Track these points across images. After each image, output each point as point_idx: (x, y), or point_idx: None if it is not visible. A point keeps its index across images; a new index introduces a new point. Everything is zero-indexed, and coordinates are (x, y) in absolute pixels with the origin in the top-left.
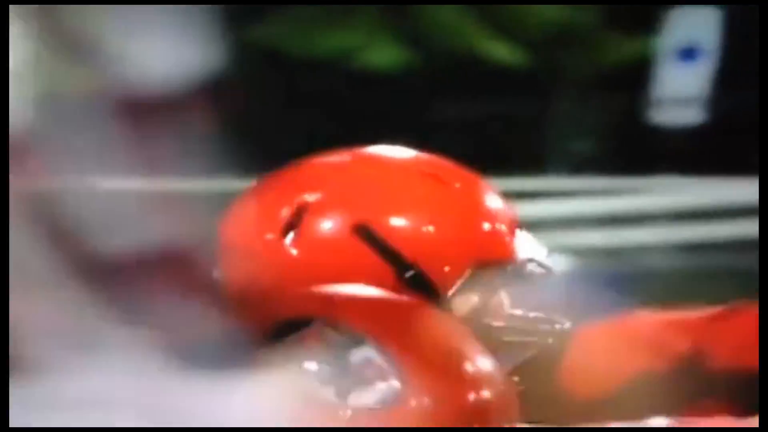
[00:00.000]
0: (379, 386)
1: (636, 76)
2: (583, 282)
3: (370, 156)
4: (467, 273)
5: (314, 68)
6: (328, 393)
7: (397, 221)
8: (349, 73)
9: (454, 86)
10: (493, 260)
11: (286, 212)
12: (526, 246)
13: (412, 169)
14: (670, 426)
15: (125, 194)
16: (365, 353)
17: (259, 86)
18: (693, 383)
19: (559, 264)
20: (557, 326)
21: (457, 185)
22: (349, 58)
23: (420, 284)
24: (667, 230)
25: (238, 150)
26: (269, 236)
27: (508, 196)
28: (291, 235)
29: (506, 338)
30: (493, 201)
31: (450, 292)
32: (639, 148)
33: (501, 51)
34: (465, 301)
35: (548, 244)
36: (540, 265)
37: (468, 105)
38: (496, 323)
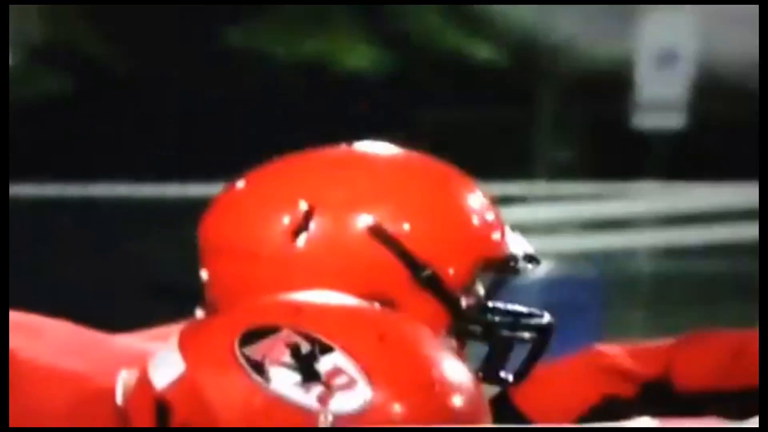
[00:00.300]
0: (353, 393)
1: (618, 81)
2: (565, 287)
3: (368, 155)
4: (476, 271)
5: (294, 71)
6: (310, 399)
7: (410, 222)
8: (328, 76)
9: (435, 90)
10: (496, 258)
11: (292, 213)
12: (518, 243)
13: (415, 170)
14: (658, 426)
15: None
16: (334, 360)
17: (236, 88)
18: (661, 406)
19: (543, 269)
20: (541, 320)
21: (456, 185)
22: (328, 61)
23: (433, 284)
24: (652, 235)
25: (212, 154)
26: (277, 238)
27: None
28: (303, 238)
29: (504, 333)
30: (487, 200)
31: (460, 291)
32: (622, 153)
33: (482, 53)
34: (469, 298)
35: (535, 248)
36: (532, 260)
37: (449, 109)
38: (497, 319)
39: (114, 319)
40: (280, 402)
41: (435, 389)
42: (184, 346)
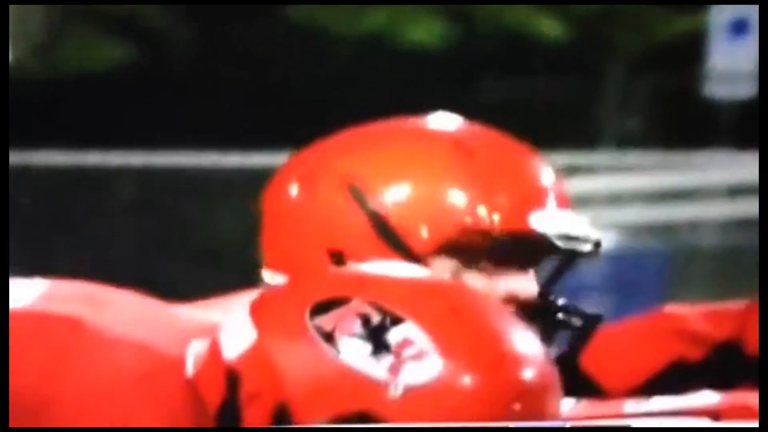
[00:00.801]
0: (422, 365)
1: (688, 51)
2: (629, 261)
3: (399, 122)
4: (445, 240)
5: (358, 45)
6: (380, 370)
7: (387, 185)
8: (392, 50)
9: (503, 62)
10: (480, 230)
11: (299, 170)
12: (558, 222)
13: (435, 134)
14: (721, 401)
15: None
16: (404, 332)
17: (299, 63)
18: (730, 370)
19: (609, 242)
20: (586, 312)
21: (481, 155)
22: (391, 34)
23: (395, 244)
24: (720, 207)
25: (280, 126)
26: (281, 190)
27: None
28: (296, 188)
29: (537, 320)
30: (518, 173)
31: (425, 256)
32: (692, 123)
33: (550, 27)
34: (443, 267)
35: (599, 221)
36: (572, 241)
37: (517, 81)
38: (528, 305)
39: (176, 288)
40: (350, 372)
41: (505, 361)
42: (255, 317)
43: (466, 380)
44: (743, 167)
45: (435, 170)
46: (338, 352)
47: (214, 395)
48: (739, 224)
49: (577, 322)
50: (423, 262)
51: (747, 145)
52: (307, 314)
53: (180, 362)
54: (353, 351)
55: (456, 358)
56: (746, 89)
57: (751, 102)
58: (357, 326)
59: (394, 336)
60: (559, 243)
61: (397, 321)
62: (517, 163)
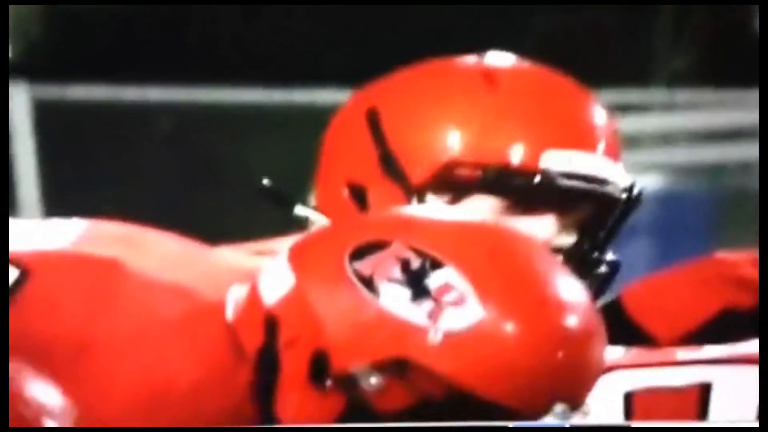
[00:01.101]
0: (463, 310)
1: None
2: (676, 203)
3: (443, 60)
4: (438, 171)
5: None
6: (419, 315)
7: (402, 110)
8: None
9: None
10: (474, 164)
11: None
12: (572, 162)
13: (466, 66)
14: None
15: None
16: (445, 276)
17: None
18: None
19: (658, 182)
20: (608, 257)
21: (508, 88)
22: None
23: (394, 171)
24: None
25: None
26: (332, 131)
27: (609, 108)
28: (336, 127)
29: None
30: (547, 110)
31: (421, 187)
32: (745, 59)
33: None
34: (438, 199)
35: (649, 160)
36: (579, 180)
37: (566, 15)
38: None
39: (219, 229)
40: (389, 317)
41: (547, 306)
42: (294, 262)
43: (507, 326)
44: None
45: (451, 100)
46: (377, 297)
47: (252, 340)
48: None
49: (601, 270)
50: (419, 195)
51: None
52: (346, 259)
53: (219, 307)
54: (392, 296)
55: (496, 303)
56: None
57: None
58: (396, 271)
59: (434, 281)
60: (562, 182)
61: (437, 265)
62: (546, 99)
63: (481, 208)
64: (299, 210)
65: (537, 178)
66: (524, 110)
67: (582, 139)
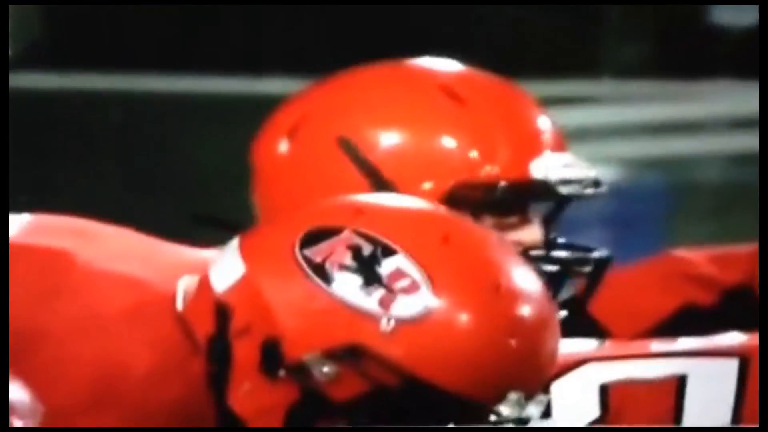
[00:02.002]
0: (415, 297)
1: None
2: (629, 196)
3: (387, 68)
4: (446, 193)
5: None
6: (371, 303)
7: (379, 136)
8: None
9: None
10: (481, 181)
11: (287, 124)
12: (558, 168)
13: (424, 82)
14: (748, 342)
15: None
16: (396, 263)
17: None
18: (740, 314)
19: (608, 176)
20: (595, 254)
21: (472, 102)
22: None
23: None
24: (723, 139)
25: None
26: (271, 146)
27: (556, 101)
28: (285, 145)
29: (546, 268)
30: (514, 120)
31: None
32: (695, 51)
33: None
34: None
35: (599, 154)
36: (574, 185)
37: (515, 7)
38: (535, 252)
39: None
40: (340, 305)
41: (500, 294)
42: (244, 249)
43: (459, 314)
44: (746, 98)
45: (425, 119)
46: (329, 284)
47: (203, 329)
48: (741, 158)
49: (587, 267)
50: None
51: (751, 75)
52: (296, 246)
53: (170, 297)
54: (344, 283)
55: (449, 291)
56: (751, 16)
57: (756, 29)
58: (348, 258)
59: (385, 267)
60: (562, 189)
61: (389, 252)
62: (511, 109)
63: (485, 225)
64: None
65: (539, 189)
66: (500, 123)
67: (555, 142)
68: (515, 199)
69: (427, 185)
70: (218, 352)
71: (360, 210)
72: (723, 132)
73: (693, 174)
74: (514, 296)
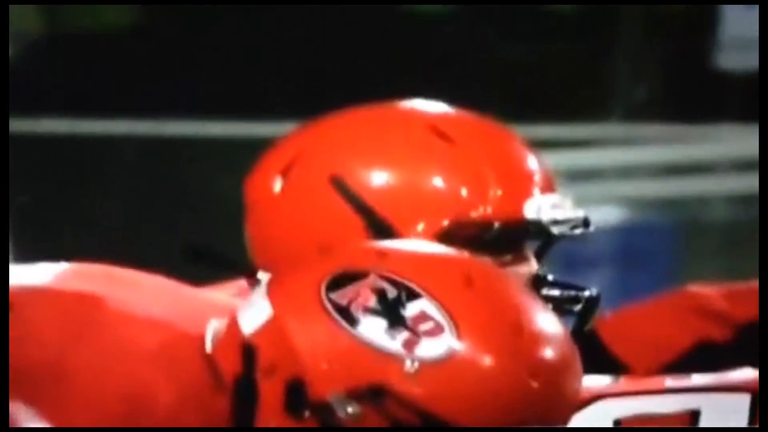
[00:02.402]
0: (438, 340)
1: (699, 19)
2: (638, 235)
3: (378, 109)
4: (441, 232)
5: (362, 10)
6: (396, 345)
7: (373, 175)
8: (398, 15)
9: (508, 29)
10: (475, 220)
11: (281, 162)
12: (550, 208)
13: (414, 122)
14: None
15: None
16: (420, 306)
17: (306, 29)
18: (754, 350)
19: (618, 215)
20: (585, 293)
21: (462, 141)
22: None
23: (388, 236)
24: (730, 180)
25: (284, 94)
26: (265, 186)
27: (564, 143)
28: (278, 184)
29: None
30: (505, 160)
31: None
32: (701, 94)
33: None
34: None
35: (608, 194)
36: (565, 225)
37: (522, 47)
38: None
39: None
40: (365, 346)
41: (523, 336)
42: (271, 292)
43: (482, 356)
44: (751, 141)
45: (417, 158)
46: (353, 326)
47: (230, 368)
48: (746, 198)
49: (577, 305)
50: None
51: (755, 118)
52: (322, 289)
53: (199, 338)
54: (369, 325)
55: (472, 333)
56: (756, 59)
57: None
58: (373, 301)
59: (410, 310)
60: (554, 229)
61: (413, 295)
62: (501, 148)
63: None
64: (260, 275)
65: (533, 230)
66: (491, 163)
67: (544, 182)
68: (510, 238)
69: (422, 225)
70: (244, 391)
71: (384, 254)
72: (729, 173)
73: (700, 214)
74: (536, 338)
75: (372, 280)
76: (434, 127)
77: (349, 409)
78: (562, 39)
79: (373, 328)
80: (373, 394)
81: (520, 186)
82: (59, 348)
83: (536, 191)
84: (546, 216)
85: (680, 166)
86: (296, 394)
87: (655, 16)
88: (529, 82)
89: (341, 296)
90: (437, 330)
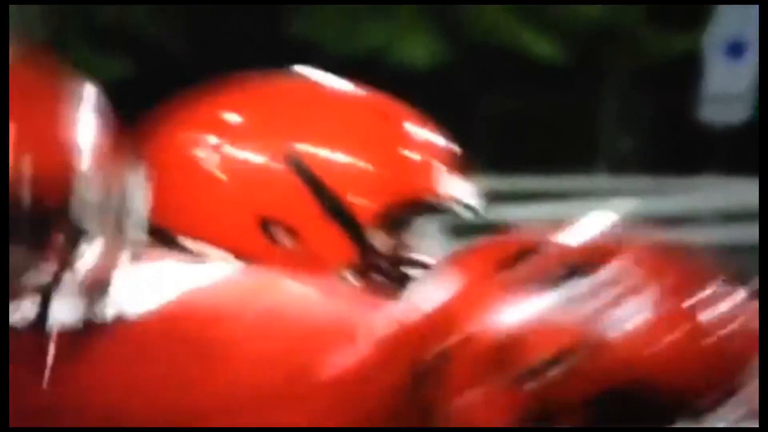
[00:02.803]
0: (636, 302)
1: (683, 73)
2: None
3: (305, 82)
4: (389, 206)
5: (350, 64)
6: (594, 307)
7: (325, 151)
8: (385, 69)
9: (494, 81)
10: (419, 196)
11: (212, 127)
12: (455, 186)
13: (348, 98)
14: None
15: None
16: (613, 271)
17: None
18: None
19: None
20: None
21: (393, 117)
22: (385, 53)
23: (341, 215)
24: (715, 232)
25: None
26: (189, 148)
27: (550, 195)
28: (217, 159)
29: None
30: (427, 136)
31: (372, 225)
32: (686, 147)
33: (543, 46)
34: (385, 237)
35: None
36: (466, 206)
37: (508, 101)
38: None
39: None
40: (566, 310)
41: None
42: (456, 264)
43: (680, 315)
44: (736, 192)
45: (365, 136)
46: (551, 293)
47: (423, 347)
48: (731, 249)
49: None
50: (365, 231)
51: (741, 171)
52: (504, 263)
53: (310, 366)
54: (567, 290)
55: (668, 293)
56: (741, 113)
57: (745, 126)
58: (563, 269)
59: (602, 275)
60: (457, 206)
61: (603, 261)
62: (418, 126)
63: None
64: (190, 245)
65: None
66: (412, 137)
67: (446, 163)
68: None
69: (373, 201)
70: (438, 368)
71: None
72: (713, 224)
73: None
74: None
75: (545, 256)
76: (372, 105)
77: (555, 372)
78: (546, 93)
79: (572, 291)
80: (576, 355)
81: (441, 163)
82: (181, 389)
83: (450, 170)
84: (460, 194)
85: (664, 218)
86: (501, 362)
87: (641, 71)
88: (515, 134)
89: (513, 274)
90: (632, 292)
